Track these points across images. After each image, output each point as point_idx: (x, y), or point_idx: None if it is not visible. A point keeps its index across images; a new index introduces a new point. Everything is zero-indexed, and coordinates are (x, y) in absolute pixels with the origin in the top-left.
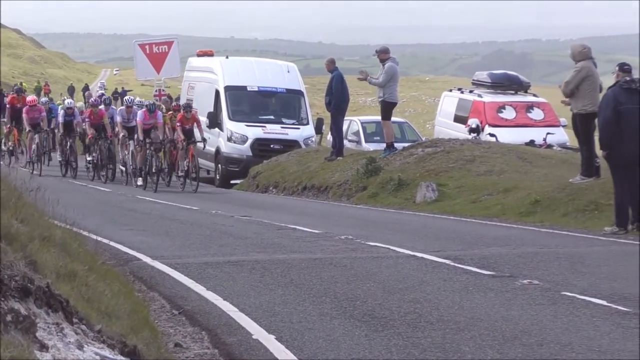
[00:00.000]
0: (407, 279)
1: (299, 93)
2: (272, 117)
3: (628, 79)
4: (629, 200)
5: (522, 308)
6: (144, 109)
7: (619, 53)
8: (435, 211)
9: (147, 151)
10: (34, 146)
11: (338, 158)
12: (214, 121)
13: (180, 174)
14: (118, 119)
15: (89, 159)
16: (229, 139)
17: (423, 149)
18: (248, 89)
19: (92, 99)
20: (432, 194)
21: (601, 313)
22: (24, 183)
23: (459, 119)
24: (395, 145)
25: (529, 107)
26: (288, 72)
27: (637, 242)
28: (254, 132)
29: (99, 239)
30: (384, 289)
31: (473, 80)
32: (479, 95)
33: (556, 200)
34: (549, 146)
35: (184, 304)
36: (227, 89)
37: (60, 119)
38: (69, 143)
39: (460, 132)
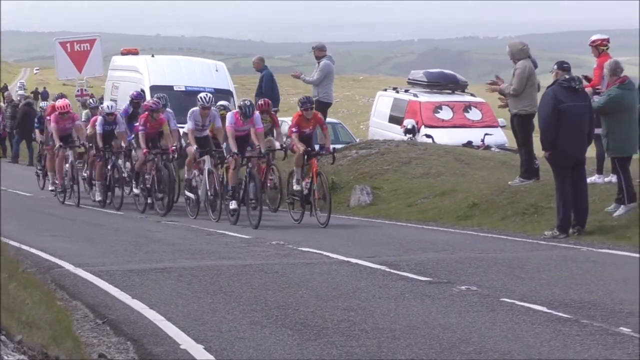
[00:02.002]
0: (340, 285)
1: (228, 93)
2: None
3: (567, 77)
4: (571, 203)
5: (460, 315)
6: (235, 111)
7: (561, 51)
8: (370, 215)
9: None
10: (66, 166)
11: None
12: None
13: (293, 199)
14: (191, 125)
15: (136, 191)
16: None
17: (357, 151)
18: (175, 89)
19: (150, 100)
20: (367, 197)
21: (541, 320)
22: None
23: (394, 120)
24: None
25: (467, 107)
26: (217, 71)
27: (578, 247)
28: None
29: (20, 245)
30: (317, 297)
31: (408, 79)
32: (415, 95)
33: (495, 203)
34: (487, 147)
35: (108, 313)
36: (153, 88)
37: (99, 128)
38: (111, 160)
39: (396, 133)
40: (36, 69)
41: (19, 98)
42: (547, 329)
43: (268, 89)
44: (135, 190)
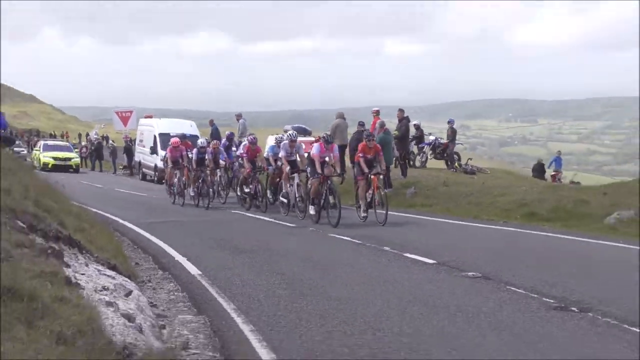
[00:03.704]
0: (253, 229)
1: (196, 137)
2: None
3: (362, 129)
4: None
5: (312, 243)
6: (320, 142)
7: (361, 116)
8: None
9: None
10: (175, 180)
11: None
12: (154, 150)
13: (362, 212)
14: (283, 153)
15: (246, 190)
16: (161, 160)
17: None
18: (171, 134)
19: (250, 137)
20: None
21: (351, 245)
22: (56, 182)
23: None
24: None
25: (312, 143)
26: (191, 126)
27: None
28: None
29: (97, 211)
30: (241, 234)
31: (284, 129)
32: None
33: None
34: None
35: (139, 243)
36: (160, 134)
37: (194, 156)
38: (202, 177)
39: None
40: (102, 125)
41: (94, 139)
42: (358, 248)
43: (215, 136)
44: (246, 190)
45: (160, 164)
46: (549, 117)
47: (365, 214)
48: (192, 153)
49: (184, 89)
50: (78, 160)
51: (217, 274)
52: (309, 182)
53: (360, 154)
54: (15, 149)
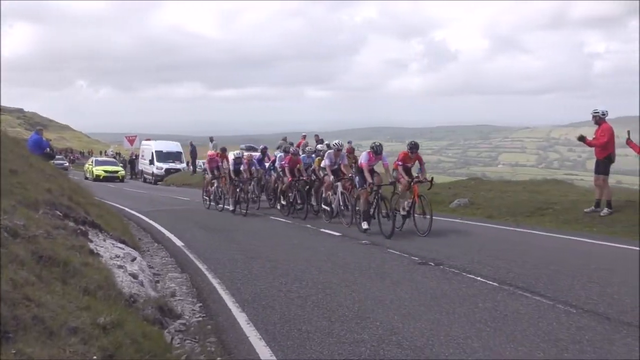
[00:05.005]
0: (233, 218)
1: (181, 152)
2: (171, 160)
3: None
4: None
5: (267, 225)
6: (368, 151)
7: (293, 138)
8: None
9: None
10: (213, 188)
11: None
12: (152, 162)
13: (402, 213)
14: (327, 162)
15: (284, 203)
16: (157, 168)
17: None
18: (164, 151)
19: (292, 148)
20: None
21: (285, 224)
22: (84, 185)
23: None
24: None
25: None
26: (177, 145)
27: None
28: (165, 165)
29: (112, 203)
30: (220, 220)
31: (240, 147)
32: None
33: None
34: None
35: (141, 224)
36: (156, 151)
37: (231, 167)
38: (239, 186)
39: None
40: (116, 145)
41: (110, 154)
42: (292, 226)
43: (193, 152)
44: (283, 202)
45: (156, 172)
46: (413, 138)
47: (402, 221)
48: (229, 163)
49: (173, 120)
50: (123, 172)
51: (194, 245)
52: (358, 192)
53: (400, 162)
54: (56, 162)
